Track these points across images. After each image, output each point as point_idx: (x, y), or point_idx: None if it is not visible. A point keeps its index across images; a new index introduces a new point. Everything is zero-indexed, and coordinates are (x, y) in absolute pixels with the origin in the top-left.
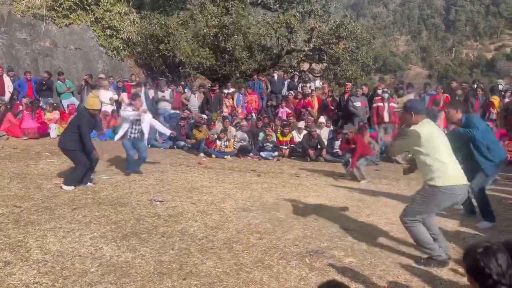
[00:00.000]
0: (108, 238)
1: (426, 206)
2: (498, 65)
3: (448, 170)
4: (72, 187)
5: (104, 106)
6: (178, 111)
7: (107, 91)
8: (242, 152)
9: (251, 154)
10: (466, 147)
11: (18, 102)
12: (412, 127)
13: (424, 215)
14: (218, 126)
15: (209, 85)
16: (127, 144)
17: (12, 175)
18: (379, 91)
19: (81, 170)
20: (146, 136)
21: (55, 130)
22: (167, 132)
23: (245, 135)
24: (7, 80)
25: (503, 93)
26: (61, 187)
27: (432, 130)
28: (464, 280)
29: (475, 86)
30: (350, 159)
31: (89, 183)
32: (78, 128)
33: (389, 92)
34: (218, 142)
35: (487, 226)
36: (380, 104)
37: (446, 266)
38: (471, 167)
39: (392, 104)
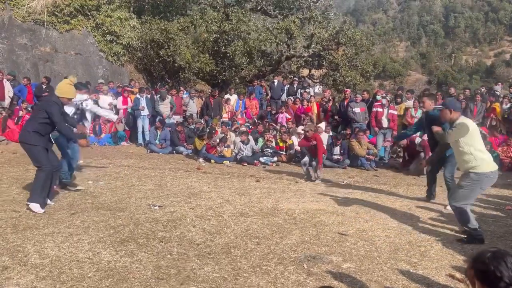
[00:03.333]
0: (106, 243)
1: (474, 191)
2: (498, 71)
3: (487, 158)
4: (41, 210)
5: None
6: (179, 116)
7: (106, 96)
8: (242, 161)
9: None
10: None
11: (18, 107)
12: (460, 120)
13: (471, 199)
14: (218, 132)
15: (209, 90)
16: (63, 142)
17: (12, 180)
18: (379, 97)
19: (45, 176)
20: (88, 125)
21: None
22: (114, 117)
23: (248, 145)
24: (7, 85)
25: (500, 98)
26: (27, 205)
27: (473, 124)
28: (462, 285)
29: (476, 93)
30: (309, 160)
31: (49, 201)
32: (48, 116)
33: (388, 98)
34: (218, 148)
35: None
36: (380, 109)
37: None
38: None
39: (391, 111)
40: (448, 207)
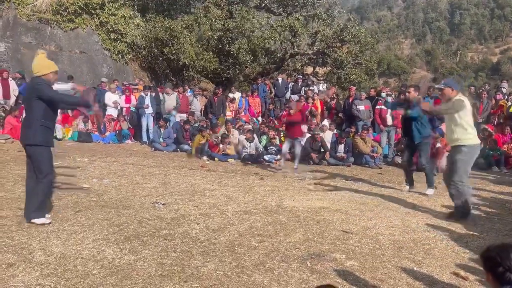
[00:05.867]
0: (111, 240)
1: (468, 163)
2: (504, 68)
3: (475, 133)
4: (46, 220)
5: (109, 109)
6: (185, 115)
7: (113, 94)
8: (246, 160)
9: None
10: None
11: (23, 105)
12: (457, 97)
13: (468, 172)
14: (221, 129)
15: (213, 88)
16: None
17: (17, 177)
18: (383, 94)
19: (47, 189)
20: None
21: (60, 131)
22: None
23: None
24: (12, 84)
25: (506, 96)
26: (29, 222)
27: (468, 102)
28: (466, 283)
29: (481, 90)
30: (287, 149)
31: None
32: (42, 100)
33: (393, 95)
34: (221, 146)
35: (432, 192)
36: (384, 107)
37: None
38: (411, 144)
39: None
40: (428, 190)
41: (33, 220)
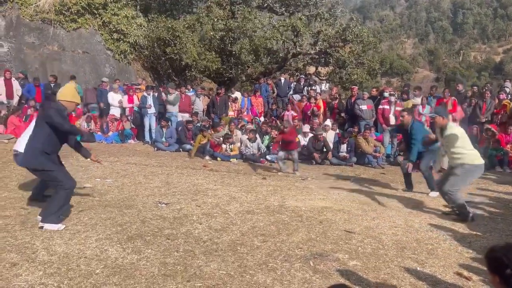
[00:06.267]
0: (114, 240)
1: (465, 179)
2: (507, 68)
3: (475, 153)
4: (61, 226)
5: (112, 109)
6: (187, 114)
7: (116, 94)
8: (248, 160)
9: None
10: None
11: (26, 105)
12: (449, 131)
13: (462, 186)
14: (224, 129)
15: (215, 88)
16: None
17: (20, 177)
18: (386, 94)
19: (66, 195)
20: None
21: None
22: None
23: (254, 143)
24: (15, 84)
25: (510, 95)
26: (41, 227)
27: (460, 129)
28: (469, 284)
29: (484, 89)
30: (283, 156)
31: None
32: (50, 126)
33: (396, 95)
34: (223, 146)
35: (435, 194)
36: (386, 107)
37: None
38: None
39: (398, 108)
40: (431, 193)
41: (46, 225)
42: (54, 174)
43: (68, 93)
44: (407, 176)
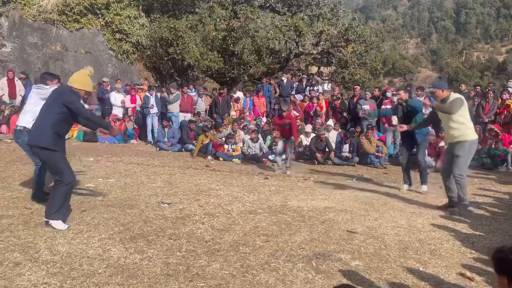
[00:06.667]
0: (116, 239)
1: (469, 157)
2: (510, 67)
3: (472, 127)
4: (65, 225)
5: (114, 109)
6: (189, 114)
7: (118, 94)
8: (250, 160)
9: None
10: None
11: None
12: (455, 95)
13: (467, 165)
14: (226, 129)
15: (217, 88)
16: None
17: (23, 177)
18: (389, 94)
19: (66, 192)
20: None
21: None
22: None
23: (257, 144)
24: (18, 84)
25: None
26: (47, 222)
27: (463, 98)
28: (472, 284)
29: (487, 89)
30: (282, 150)
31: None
32: (68, 108)
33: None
34: (225, 146)
35: (426, 189)
36: (389, 107)
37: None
38: (409, 142)
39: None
40: (423, 187)
41: (51, 222)
42: (60, 159)
43: (82, 80)
44: (407, 171)
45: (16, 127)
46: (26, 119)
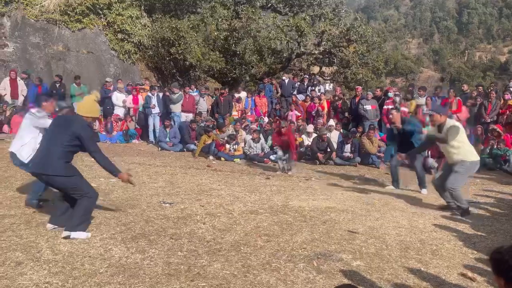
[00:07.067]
0: (118, 239)
1: (465, 176)
2: None
3: (473, 150)
4: (88, 234)
5: (116, 109)
6: (191, 114)
7: (120, 94)
8: (252, 160)
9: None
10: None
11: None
12: (451, 123)
13: (463, 182)
14: (229, 129)
15: (219, 88)
16: None
17: (25, 176)
18: (390, 94)
19: (90, 204)
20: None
21: None
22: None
23: (258, 144)
24: (20, 84)
25: None
26: (67, 236)
27: (459, 124)
28: (474, 285)
29: (490, 89)
30: (283, 155)
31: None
32: (80, 140)
33: (401, 95)
34: (227, 146)
35: (426, 192)
36: (391, 107)
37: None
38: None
39: (402, 108)
40: (423, 191)
41: (73, 235)
42: (76, 181)
43: (89, 109)
44: (395, 174)
45: (12, 153)
46: (25, 152)
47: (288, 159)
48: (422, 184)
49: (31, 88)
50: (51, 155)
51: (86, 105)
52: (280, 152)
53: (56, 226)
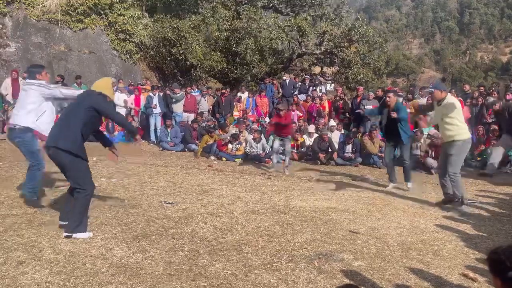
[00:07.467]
0: (119, 239)
1: (462, 156)
2: None
3: (466, 128)
4: (90, 233)
5: (117, 109)
6: (193, 114)
7: (121, 94)
8: (253, 160)
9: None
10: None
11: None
12: (450, 100)
13: (461, 163)
14: (231, 129)
15: (220, 88)
16: (31, 146)
17: None
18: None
19: (87, 201)
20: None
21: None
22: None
23: (259, 144)
24: (22, 84)
25: None
26: (68, 236)
27: (457, 101)
28: (475, 285)
29: (492, 89)
30: (279, 147)
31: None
32: (96, 111)
33: (403, 95)
34: (229, 145)
35: (411, 185)
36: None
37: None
38: (393, 141)
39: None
40: (409, 184)
41: (75, 234)
42: (83, 166)
43: (105, 86)
44: (391, 170)
45: (13, 126)
46: (29, 119)
47: (285, 151)
48: (407, 178)
49: None
50: (66, 129)
51: (103, 84)
52: (276, 145)
53: (67, 222)
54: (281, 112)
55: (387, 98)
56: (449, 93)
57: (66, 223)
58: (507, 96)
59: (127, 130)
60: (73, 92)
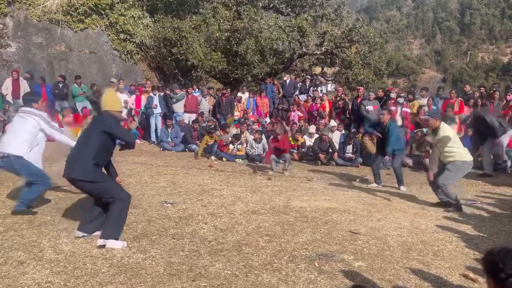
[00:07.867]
0: (120, 239)
1: (457, 174)
2: None
3: (466, 151)
4: (124, 243)
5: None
6: (194, 115)
7: (122, 94)
8: (253, 160)
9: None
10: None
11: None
12: (442, 133)
13: (454, 180)
14: (232, 129)
15: (221, 88)
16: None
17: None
18: (393, 95)
19: (122, 207)
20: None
21: (68, 131)
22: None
23: (260, 144)
24: (23, 84)
25: None
26: (102, 246)
27: (451, 130)
28: (475, 286)
29: (493, 90)
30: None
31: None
32: (109, 136)
33: (403, 96)
34: (230, 146)
35: (404, 188)
36: (393, 108)
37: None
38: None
39: (404, 109)
40: (402, 188)
41: (109, 242)
42: (105, 187)
43: (112, 101)
44: (377, 172)
45: (7, 155)
46: (23, 149)
47: (286, 160)
48: (400, 183)
49: (34, 88)
50: (78, 159)
51: (109, 99)
52: (273, 156)
53: (85, 234)
54: (278, 137)
55: (381, 116)
56: (442, 122)
57: (85, 234)
58: (508, 96)
59: (128, 146)
60: (70, 142)
